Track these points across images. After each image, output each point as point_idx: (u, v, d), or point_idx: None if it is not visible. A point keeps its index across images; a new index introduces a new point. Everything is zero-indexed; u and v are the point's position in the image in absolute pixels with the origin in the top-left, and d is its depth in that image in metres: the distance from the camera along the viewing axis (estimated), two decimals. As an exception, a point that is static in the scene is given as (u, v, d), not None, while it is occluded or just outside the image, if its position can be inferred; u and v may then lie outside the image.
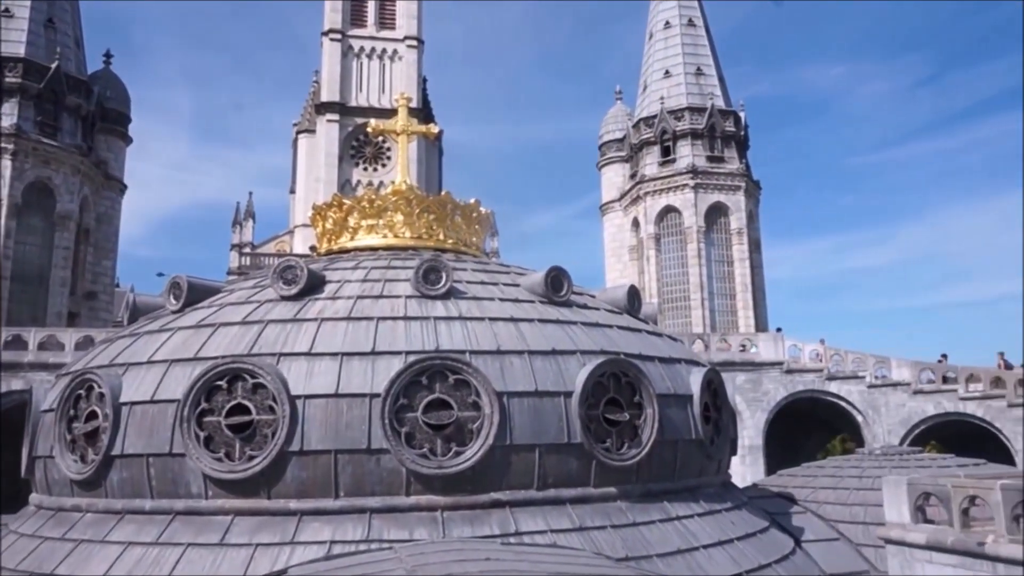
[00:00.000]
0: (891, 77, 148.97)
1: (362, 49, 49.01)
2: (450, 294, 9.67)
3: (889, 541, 9.84)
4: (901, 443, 26.13)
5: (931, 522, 9.40)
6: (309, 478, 8.05)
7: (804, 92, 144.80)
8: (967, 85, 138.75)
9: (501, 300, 9.95)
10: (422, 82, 50.37)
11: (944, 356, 30.97)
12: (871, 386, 29.12)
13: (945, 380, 28.64)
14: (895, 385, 28.89)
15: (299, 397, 8.18)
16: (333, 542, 7.70)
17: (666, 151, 40.31)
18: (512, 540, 7.88)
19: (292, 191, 56.17)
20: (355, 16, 49.34)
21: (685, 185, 39.16)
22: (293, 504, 8.02)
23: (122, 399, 8.67)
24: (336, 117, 47.45)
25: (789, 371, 29.79)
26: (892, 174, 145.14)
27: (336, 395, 8.22)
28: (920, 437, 28.38)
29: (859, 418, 29.11)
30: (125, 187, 38.25)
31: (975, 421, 27.70)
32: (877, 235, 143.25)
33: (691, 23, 42.22)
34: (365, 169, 47.97)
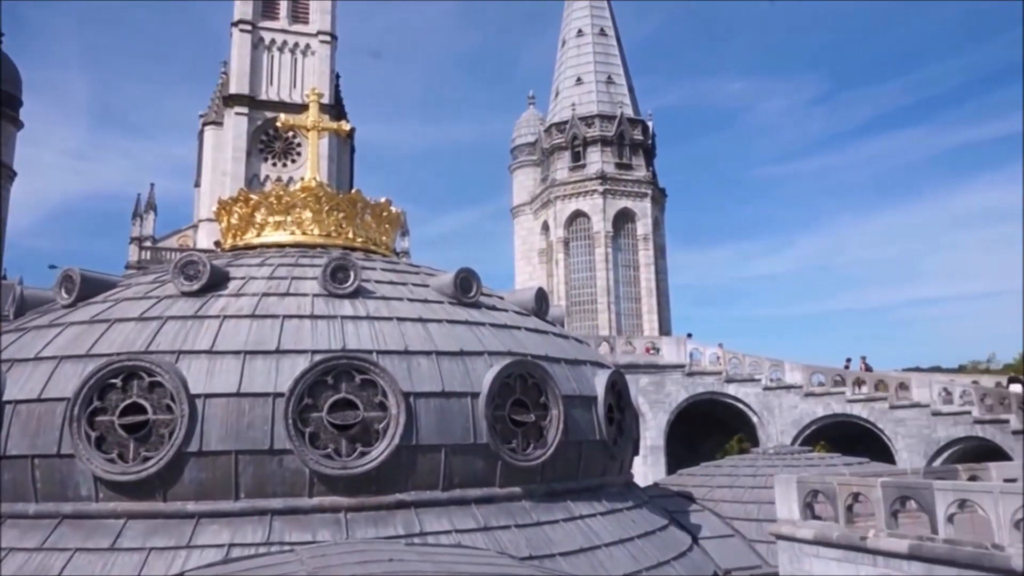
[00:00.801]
0: (789, 94, 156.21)
1: (273, 42, 47.72)
2: (358, 293, 9.59)
3: (780, 537, 10.30)
4: (793, 443, 27.42)
5: (819, 518, 9.90)
6: (208, 479, 7.83)
7: (708, 105, 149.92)
8: (858, 104, 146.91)
9: (410, 300, 9.93)
10: (335, 78, 49.45)
11: (849, 361, 32.61)
12: (766, 388, 30.42)
13: (845, 383, 30.15)
14: (788, 388, 30.29)
15: (199, 396, 7.96)
16: (232, 545, 7.52)
17: (576, 156, 41.02)
18: (416, 541, 7.88)
19: (197, 184, 54.01)
20: (267, 8, 47.99)
21: (594, 191, 39.93)
22: (191, 506, 7.79)
23: (5, 397, 8.22)
24: (245, 110, 45.99)
25: (690, 374, 30.82)
26: (790, 186, 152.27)
27: (238, 394, 8.03)
28: (811, 437, 29.83)
29: (755, 419, 30.35)
30: (15, 173, 36.05)
31: (860, 422, 29.33)
32: (775, 244, 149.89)
33: (603, 32, 43.11)
34: (274, 164, 46.69)
